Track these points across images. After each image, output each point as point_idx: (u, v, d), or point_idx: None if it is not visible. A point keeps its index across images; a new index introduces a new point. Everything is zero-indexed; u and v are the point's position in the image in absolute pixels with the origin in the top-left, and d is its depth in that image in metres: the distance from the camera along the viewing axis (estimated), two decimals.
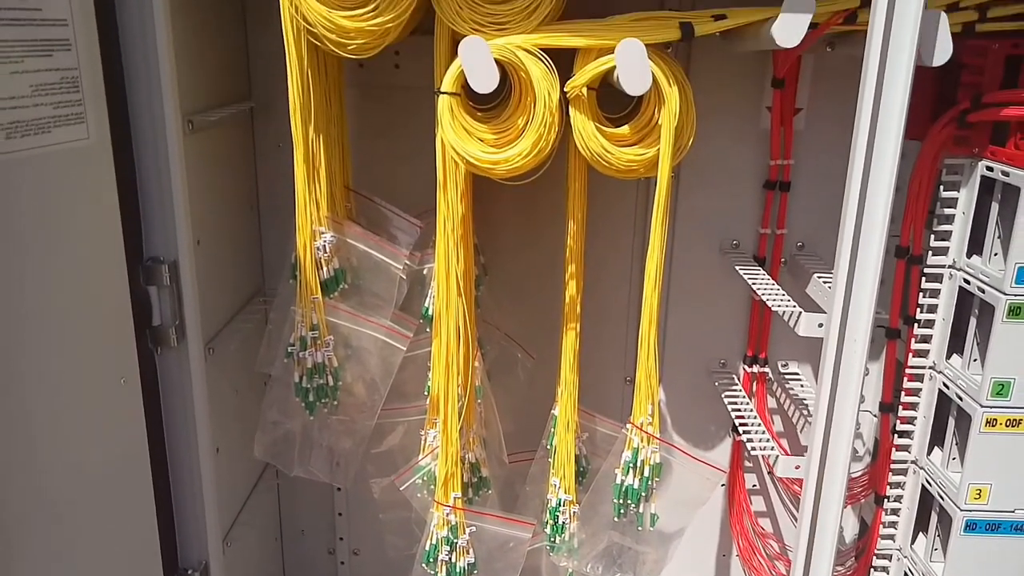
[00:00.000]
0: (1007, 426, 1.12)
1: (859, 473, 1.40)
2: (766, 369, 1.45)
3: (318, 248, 1.13)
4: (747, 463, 1.53)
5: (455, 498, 1.18)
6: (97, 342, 0.95)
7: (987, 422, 1.11)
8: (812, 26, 1.00)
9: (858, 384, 1.04)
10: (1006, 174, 1.07)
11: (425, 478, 1.23)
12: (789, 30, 0.97)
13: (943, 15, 0.96)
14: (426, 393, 1.23)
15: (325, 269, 1.14)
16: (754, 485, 1.55)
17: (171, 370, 1.08)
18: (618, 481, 1.17)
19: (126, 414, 1.01)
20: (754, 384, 1.45)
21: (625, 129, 1.05)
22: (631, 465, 1.16)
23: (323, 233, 1.13)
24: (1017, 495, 1.14)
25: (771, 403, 1.48)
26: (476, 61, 0.97)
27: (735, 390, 1.42)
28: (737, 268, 1.32)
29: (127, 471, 1.02)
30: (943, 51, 0.97)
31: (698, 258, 1.42)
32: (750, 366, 1.45)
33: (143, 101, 0.96)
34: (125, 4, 0.92)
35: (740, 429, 1.33)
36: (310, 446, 1.26)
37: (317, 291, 1.14)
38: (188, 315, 1.06)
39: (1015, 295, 1.06)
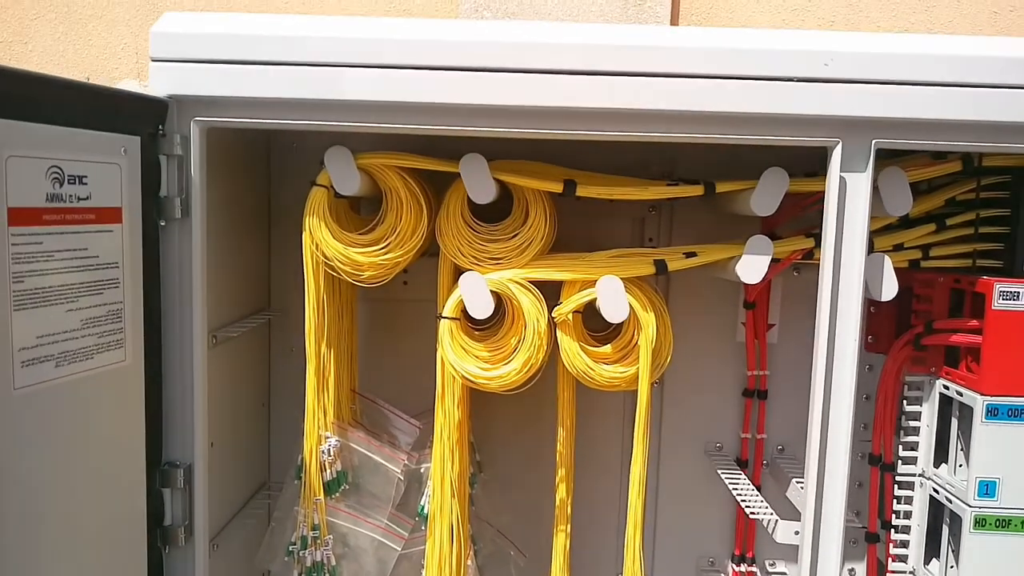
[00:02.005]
0: None
1: None
2: (754, 568, 1.47)
3: (323, 452, 1.21)
4: None
5: None
6: (112, 546, 1.00)
7: None
8: (774, 260, 1.12)
9: None
10: (960, 394, 1.15)
11: None
12: (751, 268, 1.10)
13: (886, 258, 1.09)
14: None
15: (328, 471, 1.22)
16: None
17: (177, 569, 1.11)
18: None
19: None
20: None
21: (607, 348, 1.15)
22: None
23: (329, 438, 1.22)
24: None
25: None
26: (474, 293, 1.09)
27: None
28: (719, 472, 1.39)
29: None
30: (890, 288, 1.09)
31: (684, 460, 1.48)
32: (738, 565, 1.47)
33: (175, 325, 1.06)
34: (168, 243, 1.04)
35: None
36: None
37: (320, 493, 1.21)
38: (198, 515, 1.11)
39: (979, 507, 1.12)
